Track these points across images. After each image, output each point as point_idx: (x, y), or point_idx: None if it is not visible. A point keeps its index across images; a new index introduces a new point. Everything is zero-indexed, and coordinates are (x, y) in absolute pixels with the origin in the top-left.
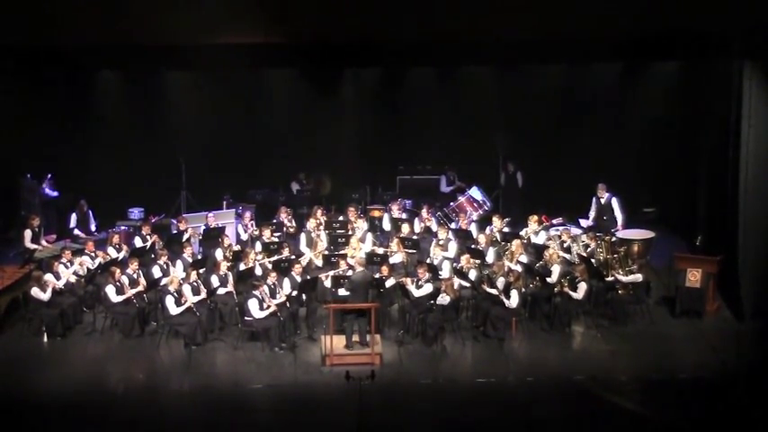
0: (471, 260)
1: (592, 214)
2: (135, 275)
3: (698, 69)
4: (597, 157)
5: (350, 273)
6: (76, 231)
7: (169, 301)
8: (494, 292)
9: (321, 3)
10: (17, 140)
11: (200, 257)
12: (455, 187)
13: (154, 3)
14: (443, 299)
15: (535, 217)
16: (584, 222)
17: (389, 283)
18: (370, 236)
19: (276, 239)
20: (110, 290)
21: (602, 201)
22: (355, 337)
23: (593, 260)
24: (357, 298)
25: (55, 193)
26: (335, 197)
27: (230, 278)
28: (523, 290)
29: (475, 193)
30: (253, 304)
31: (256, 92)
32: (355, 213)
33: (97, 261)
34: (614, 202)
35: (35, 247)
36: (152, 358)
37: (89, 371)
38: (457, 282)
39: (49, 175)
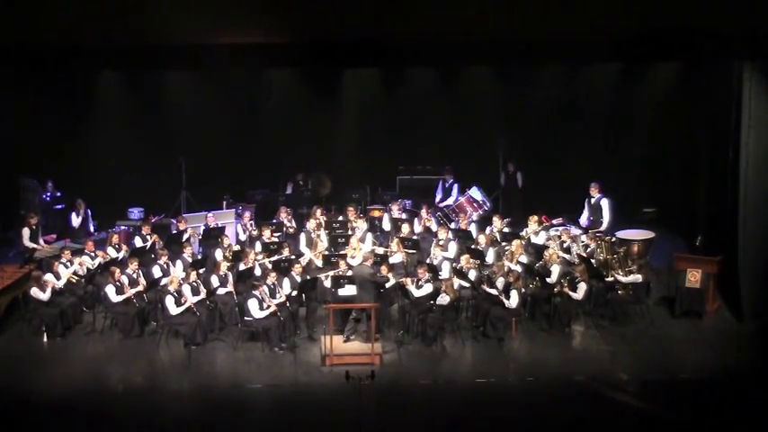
0: (471, 260)
1: (585, 213)
2: (135, 275)
3: (698, 70)
4: (597, 157)
5: (350, 272)
6: (74, 224)
7: (169, 301)
8: (493, 292)
9: (321, 3)
10: (17, 140)
11: (199, 257)
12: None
13: (154, 3)
14: (443, 299)
15: (535, 217)
16: (582, 222)
17: (389, 283)
18: (369, 236)
19: (276, 239)
20: (110, 290)
21: (593, 201)
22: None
23: (592, 260)
24: (365, 294)
25: (58, 194)
26: (335, 197)
27: (230, 278)
28: (523, 290)
29: (475, 193)
30: (252, 304)
31: (256, 92)
32: (355, 213)
33: (97, 261)
34: (604, 203)
35: (34, 246)
36: (152, 358)
37: (89, 371)
38: (457, 282)
39: (50, 182)
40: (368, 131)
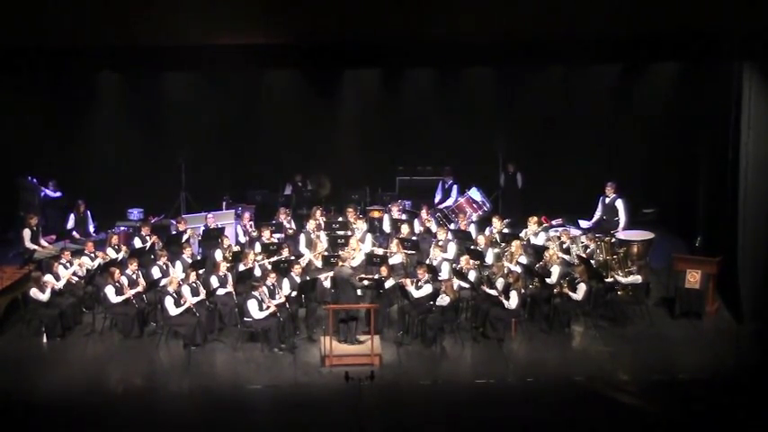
0: (471, 261)
1: (597, 214)
2: (134, 276)
3: (698, 70)
4: (597, 157)
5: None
6: (74, 233)
7: (168, 302)
8: (493, 293)
9: (321, 3)
10: (17, 140)
11: (199, 258)
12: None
13: (154, 3)
14: (443, 300)
15: (535, 218)
16: (583, 223)
17: (389, 284)
18: (369, 237)
19: (276, 240)
20: (109, 290)
21: (607, 200)
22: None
23: (592, 261)
24: (343, 296)
25: (58, 194)
26: (335, 198)
27: (230, 279)
28: (523, 291)
29: (474, 193)
30: (252, 305)
31: (256, 92)
32: (354, 214)
33: (96, 262)
34: (619, 204)
35: (35, 247)
36: (151, 359)
37: (88, 371)
38: (456, 283)
39: (51, 182)
40: (368, 131)
